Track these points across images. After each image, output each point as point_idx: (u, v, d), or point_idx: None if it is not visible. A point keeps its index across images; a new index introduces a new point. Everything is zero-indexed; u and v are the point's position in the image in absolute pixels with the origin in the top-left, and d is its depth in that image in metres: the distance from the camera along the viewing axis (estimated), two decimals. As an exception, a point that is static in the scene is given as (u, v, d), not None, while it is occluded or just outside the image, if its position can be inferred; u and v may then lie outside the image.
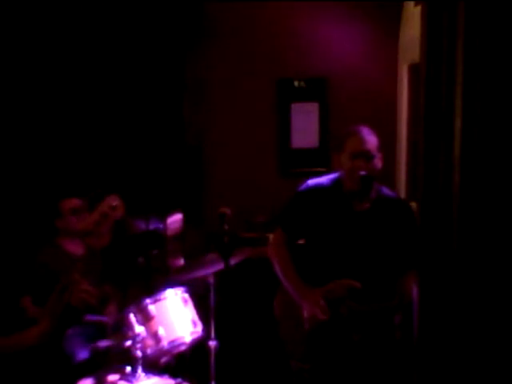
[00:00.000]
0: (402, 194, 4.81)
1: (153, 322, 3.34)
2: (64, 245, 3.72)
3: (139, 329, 3.23)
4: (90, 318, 3.52)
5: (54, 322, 2.55)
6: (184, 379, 3.27)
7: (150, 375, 3.20)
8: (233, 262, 3.39)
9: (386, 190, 3.22)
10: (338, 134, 3.32)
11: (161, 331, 3.33)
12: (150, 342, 3.31)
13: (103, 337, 3.42)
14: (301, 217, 3.22)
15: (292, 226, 3.25)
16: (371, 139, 3.10)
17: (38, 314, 2.84)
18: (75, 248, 3.73)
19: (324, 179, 3.26)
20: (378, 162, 3.10)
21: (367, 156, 3.06)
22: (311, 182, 3.26)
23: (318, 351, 3.08)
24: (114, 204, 2.60)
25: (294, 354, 3.19)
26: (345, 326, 3.01)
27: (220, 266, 3.34)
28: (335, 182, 3.22)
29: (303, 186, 3.26)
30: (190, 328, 3.46)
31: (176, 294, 3.51)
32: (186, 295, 3.57)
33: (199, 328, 3.52)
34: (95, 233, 2.60)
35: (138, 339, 3.19)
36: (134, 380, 3.13)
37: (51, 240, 3.71)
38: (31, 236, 3.82)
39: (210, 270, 3.50)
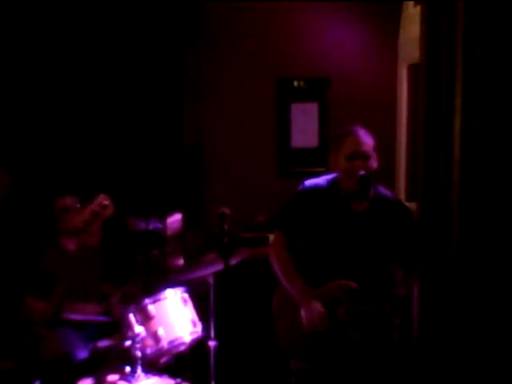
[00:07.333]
0: (402, 194, 4.81)
1: (152, 322, 3.35)
2: (63, 243, 3.74)
3: (139, 329, 3.23)
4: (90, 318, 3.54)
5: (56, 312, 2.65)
6: (184, 379, 3.27)
7: (150, 375, 3.20)
8: (233, 262, 3.40)
9: (383, 190, 3.22)
10: (337, 134, 3.31)
11: (160, 331, 3.33)
12: (149, 342, 3.31)
13: (103, 337, 3.42)
14: (298, 218, 3.22)
15: (290, 227, 3.25)
16: (367, 140, 3.10)
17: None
18: (73, 246, 3.74)
19: (321, 180, 3.26)
20: (374, 163, 3.10)
21: (363, 156, 3.06)
22: (308, 182, 3.25)
23: (315, 350, 3.08)
24: (105, 203, 2.62)
25: (290, 352, 3.19)
26: (341, 326, 3.01)
27: (220, 266, 3.33)
28: (332, 183, 3.22)
29: (300, 187, 3.25)
30: (190, 328, 3.46)
31: (176, 294, 3.51)
32: (186, 295, 3.57)
33: (199, 328, 3.52)
34: (86, 231, 2.62)
35: (137, 339, 3.19)
36: (133, 380, 3.13)
37: (52, 239, 3.74)
38: (33, 235, 3.83)
39: (209, 270, 3.50)
